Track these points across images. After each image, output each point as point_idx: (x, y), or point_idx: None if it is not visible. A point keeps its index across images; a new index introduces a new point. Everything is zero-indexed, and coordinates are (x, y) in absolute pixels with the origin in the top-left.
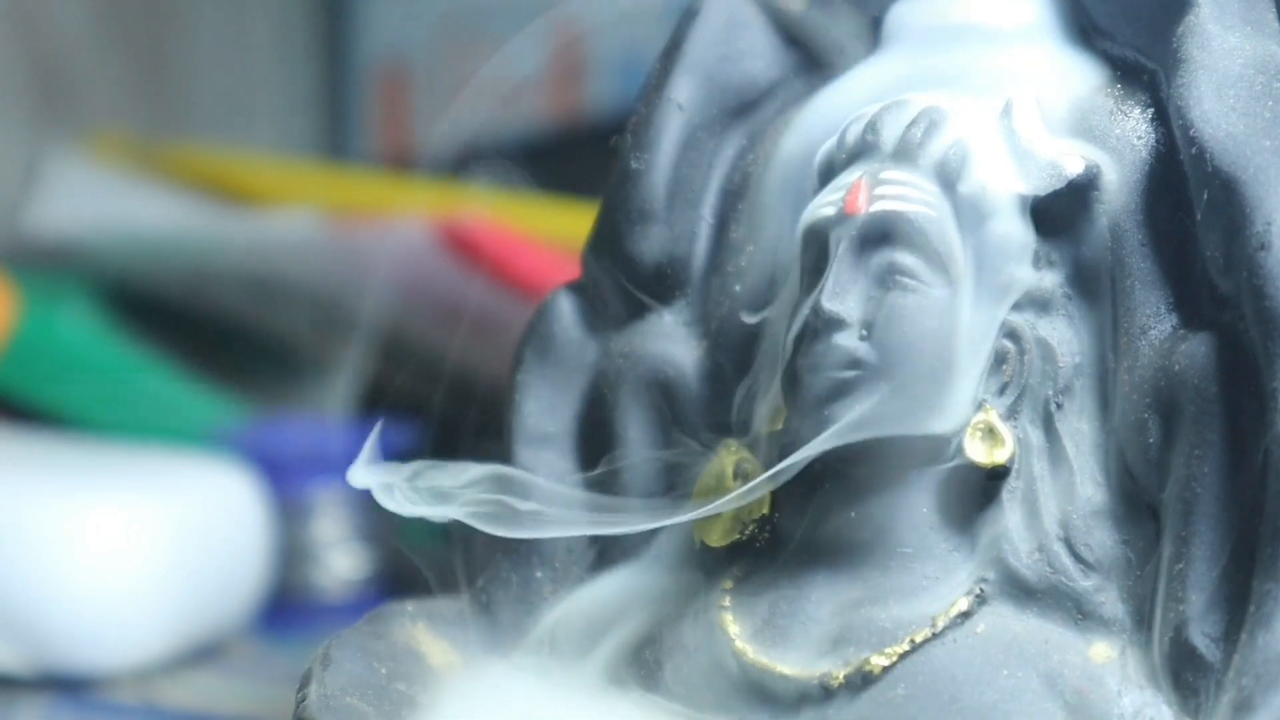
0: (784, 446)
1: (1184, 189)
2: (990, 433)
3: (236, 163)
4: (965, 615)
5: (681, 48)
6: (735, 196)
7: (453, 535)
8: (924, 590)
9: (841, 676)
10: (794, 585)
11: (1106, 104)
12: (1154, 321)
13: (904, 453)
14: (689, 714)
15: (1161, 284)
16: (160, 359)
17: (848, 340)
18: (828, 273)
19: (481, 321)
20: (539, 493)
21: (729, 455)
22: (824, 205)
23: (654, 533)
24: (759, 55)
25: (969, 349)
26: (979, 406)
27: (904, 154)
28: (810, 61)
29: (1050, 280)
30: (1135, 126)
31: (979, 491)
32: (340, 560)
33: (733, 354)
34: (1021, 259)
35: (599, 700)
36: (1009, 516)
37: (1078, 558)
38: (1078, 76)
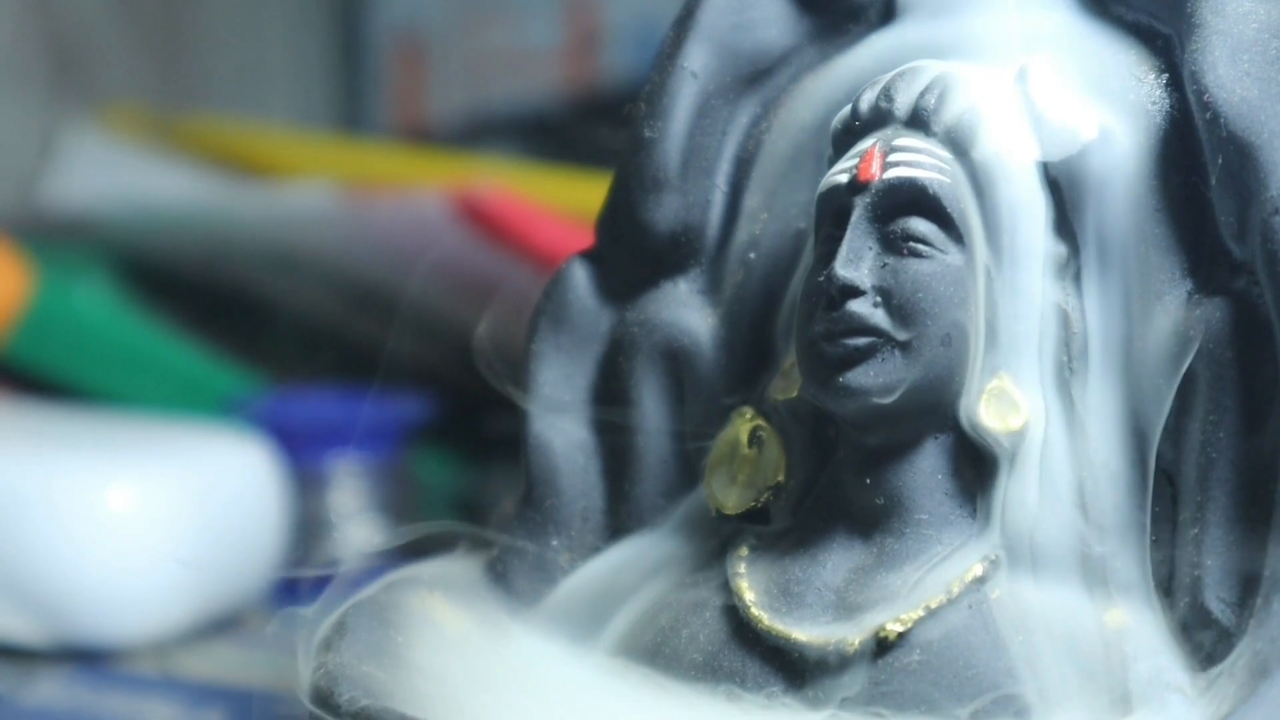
0: (799, 414)
1: (1199, 154)
2: (1005, 399)
3: (252, 135)
4: (980, 581)
5: (695, 15)
6: (749, 164)
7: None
8: (939, 556)
9: (857, 643)
10: (809, 552)
11: (1121, 70)
12: (1169, 287)
13: (918, 419)
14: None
15: (1176, 250)
16: (177, 331)
17: (862, 307)
18: (842, 240)
19: (497, 292)
20: None
21: (743, 423)
22: (838, 173)
23: (669, 501)
24: (772, 23)
25: (984, 315)
26: (994, 372)
27: (918, 121)
28: (824, 29)
29: (1065, 246)
30: (1150, 92)
31: (994, 458)
32: (357, 531)
33: (747, 322)
34: (1036, 224)
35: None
36: (1023, 482)
37: (1093, 523)
38: (1092, 42)
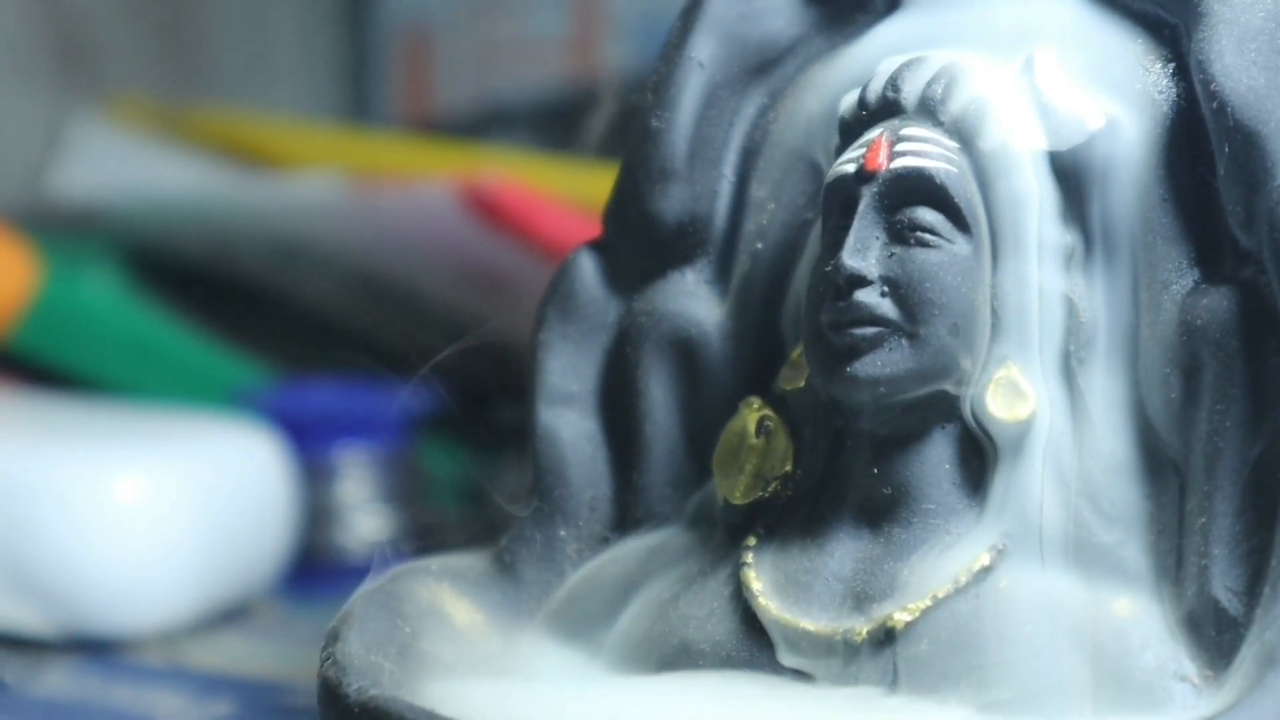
0: (807, 404)
1: (1206, 144)
2: (1013, 388)
3: (259, 126)
4: (987, 570)
5: (702, 6)
6: (756, 154)
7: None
8: (946, 546)
9: (864, 632)
10: (817, 542)
11: (1128, 59)
12: (1176, 277)
13: (926, 409)
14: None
15: (1183, 239)
16: (184, 322)
17: (869, 297)
18: (849, 230)
19: (504, 282)
20: None
21: (751, 413)
22: (845, 163)
23: (677, 491)
24: (779, 12)
25: (991, 305)
26: (1001, 362)
27: (924, 110)
28: (830, 19)
29: (1072, 236)
30: (1157, 81)
31: (1001, 447)
32: (365, 522)
33: (755, 312)
34: (1043, 214)
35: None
36: (1031, 472)
37: (1100, 513)
38: (1098, 32)
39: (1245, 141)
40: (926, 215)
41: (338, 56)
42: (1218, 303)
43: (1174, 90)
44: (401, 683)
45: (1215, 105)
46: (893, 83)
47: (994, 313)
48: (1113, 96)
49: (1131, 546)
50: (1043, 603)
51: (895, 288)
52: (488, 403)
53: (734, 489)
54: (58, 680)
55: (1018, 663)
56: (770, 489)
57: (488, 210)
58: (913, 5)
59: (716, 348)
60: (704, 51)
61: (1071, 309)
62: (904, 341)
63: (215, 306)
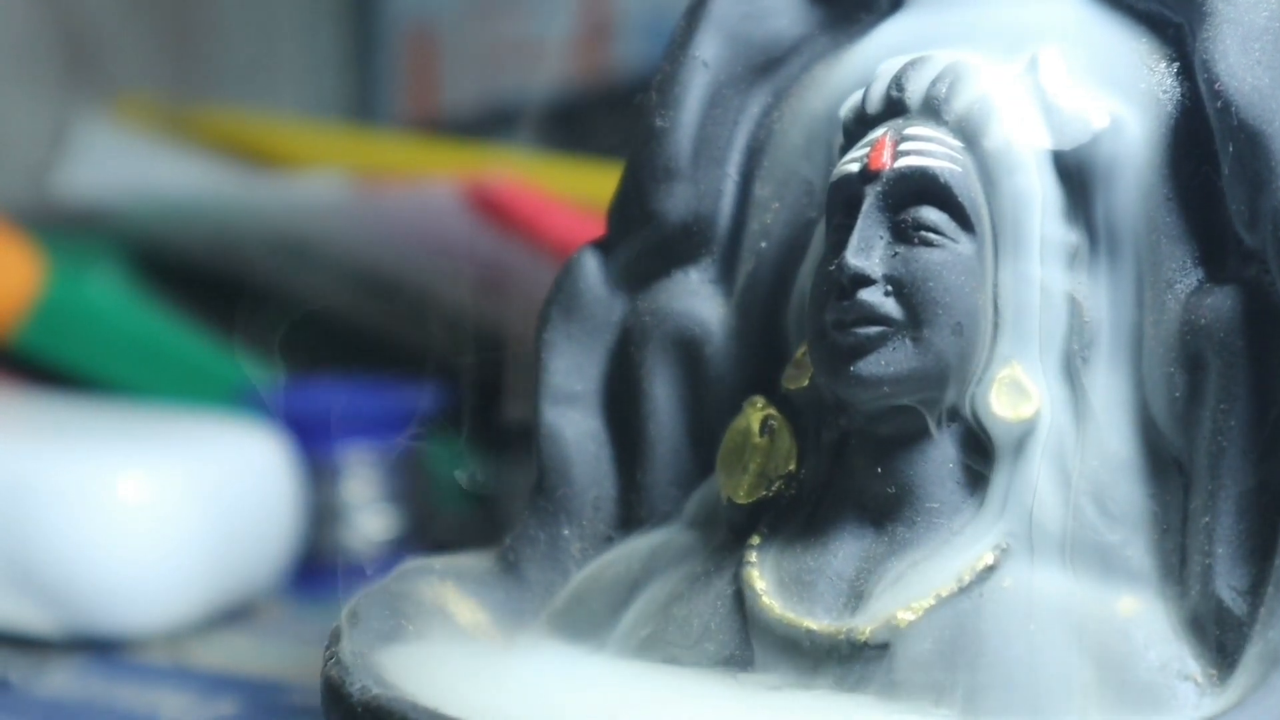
0: (810, 404)
1: (1210, 143)
2: (1016, 387)
3: (264, 125)
4: (991, 570)
5: (706, 5)
6: (760, 153)
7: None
8: (950, 545)
9: (868, 631)
10: (820, 541)
11: (1132, 59)
12: (1180, 276)
13: (930, 408)
14: (708, 677)
15: (1187, 238)
16: (189, 321)
17: (873, 296)
18: (853, 229)
19: (509, 281)
20: None
21: (755, 412)
22: (849, 162)
23: (681, 489)
24: (783, 12)
25: (994, 304)
26: (1005, 361)
27: (928, 110)
28: (835, 18)
29: (1076, 235)
30: (1161, 81)
31: (1003, 446)
32: (370, 521)
33: (759, 311)
34: (1047, 214)
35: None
36: (1035, 471)
37: (1104, 512)
38: (1103, 31)
39: (1249, 141)
40: (930, 214)
41: (343, 56)
42: (1222, 302)
43: (1178, 89)
44: (405, 682)
45: (1219, 105)
46: (897, 82)
47: (997, 311)
48: (1117, 96)
49: (1135, 546)
50: (1046, 602)
51: (899, 287)
52: (492, 402)
53: (738, 488)
54: (61, 680)
55: (1021, 662)
56: (774, 488)
57: (493, 210)
58: (917, 4)
59: (720, 347)
60: (708, 51)
61: (1075, 308)
62: (908, 341)
63: (220, 306)
